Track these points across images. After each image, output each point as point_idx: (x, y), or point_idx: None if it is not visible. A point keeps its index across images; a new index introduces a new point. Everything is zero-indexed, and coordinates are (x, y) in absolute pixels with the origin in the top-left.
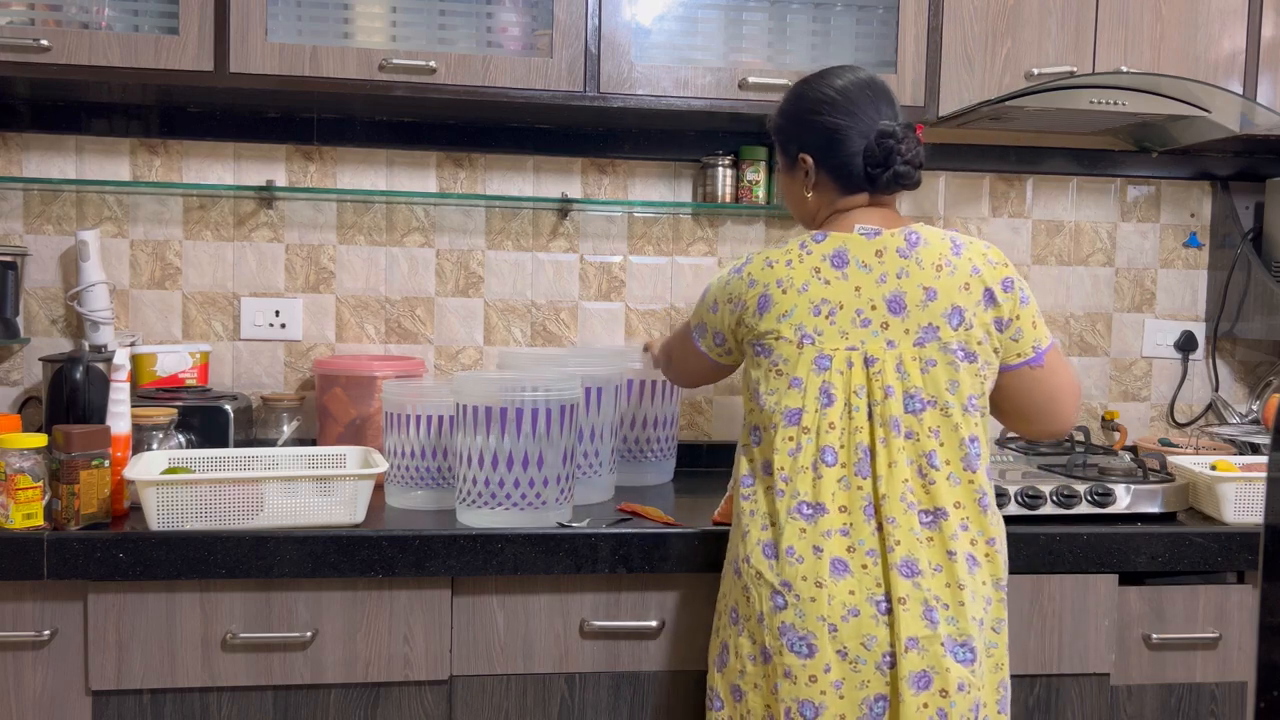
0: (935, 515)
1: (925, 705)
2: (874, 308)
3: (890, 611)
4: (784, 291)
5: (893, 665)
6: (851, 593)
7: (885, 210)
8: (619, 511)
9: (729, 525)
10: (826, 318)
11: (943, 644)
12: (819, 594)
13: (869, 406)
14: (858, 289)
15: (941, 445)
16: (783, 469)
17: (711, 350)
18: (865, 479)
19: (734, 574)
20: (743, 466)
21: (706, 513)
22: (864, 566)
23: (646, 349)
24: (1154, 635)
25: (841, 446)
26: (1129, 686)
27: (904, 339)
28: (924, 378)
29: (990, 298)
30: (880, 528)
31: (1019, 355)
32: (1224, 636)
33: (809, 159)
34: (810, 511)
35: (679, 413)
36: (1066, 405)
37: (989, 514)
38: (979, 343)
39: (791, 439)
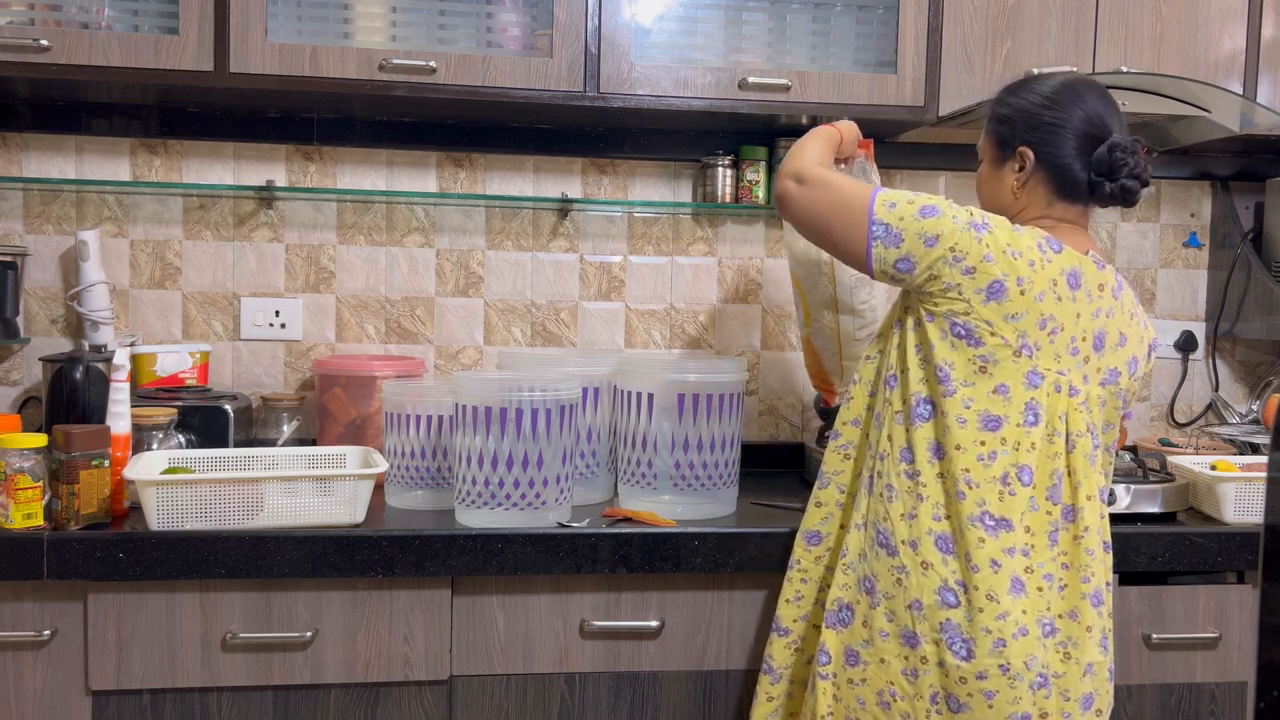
0: (1104, 548)
1: (1066, 715)
2: (1084, 339)
3: (1053, 634)
4: (1022, 292)
5: (1042, 686)
6: (1024, 612)
7: (1089, 236)
8: (604, 518)
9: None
10: (1048, 334)
11: (1109, 669)
12: (989, 606)
13: (1069, 435)
14: (1078, 316)
15: (1104, 481)
16: (968, 471)
17: (882, 254)
18: (1055, 504)
19: (879, 547)
20: (898, 436)
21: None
22: (1039, 589)
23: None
24: (1154, 635)
25: (1038, 468)
26: (1129, 686)
27: (1094, 376)
28: (1099, 415)
29: (1148, 356)
30: (1063, 554)
31: (1127, 405)
32: (1224, 636)
33: (1029, 153)
34: (993, 524)
35: (740, 432)
36: None
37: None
38: (1133, 394)
39: (984, 444)
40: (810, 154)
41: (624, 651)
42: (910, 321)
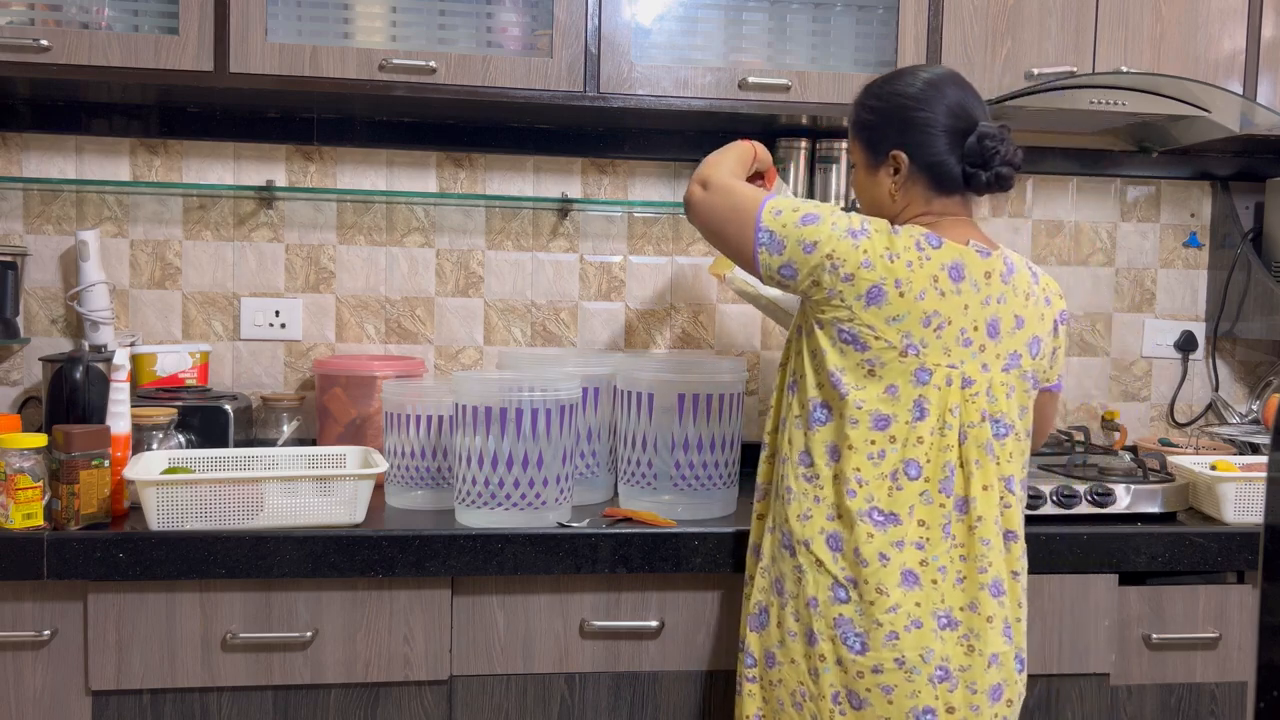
0: (1008, 537)
1: (996, 715)
2: (975, 329)
3: (949, 627)
4: (901, 295)
5: (944, 680)
6: (917, 604)
7: (973, 223)
8: (604, 518)
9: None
10: (934, 330)
11: (1015, 658)
12: (879, 600)
13: (961, 427)
14: (966, 307)
15: (1015, 470)
16: (859, 470)
17: (767, 261)
18: (948, 497)
19: (784, 549)
20: (797, 440)
21: (706, 515)
22: (934, 581)
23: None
24: (1154, 635)
25: (928, 461)
26: (1129, 686)
27: (995, 364)
28: (1007, 403)
29: (1054, 329)
30: (958, 546)
31: (1046, 380)
32: (1224, 636)
33: (903, 156)
34: (882, 519)
35: (740, 432)
36: (1050, 428)
37: (1022, 532)
38: (1043, 371)
39: (874, 444)
40: (723, 164)
41: (624, 651)
42: (805, 328)
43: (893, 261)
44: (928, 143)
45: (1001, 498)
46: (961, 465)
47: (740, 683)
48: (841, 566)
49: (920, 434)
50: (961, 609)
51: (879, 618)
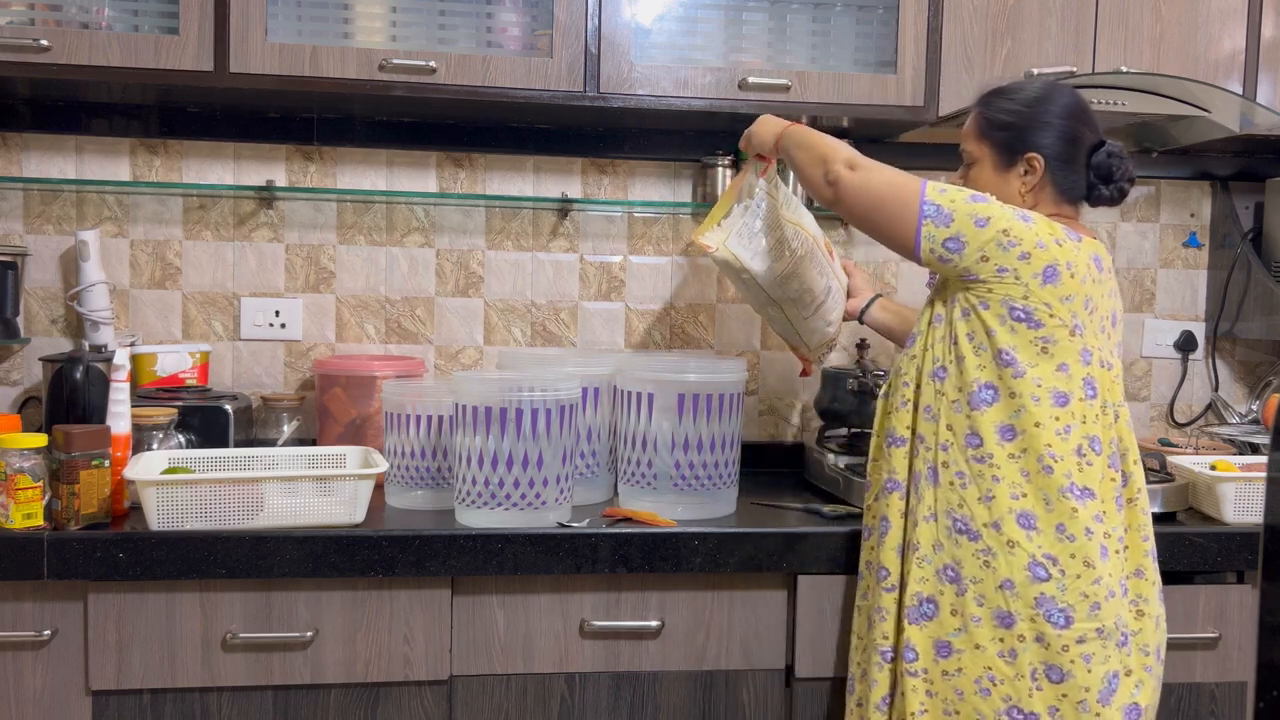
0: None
1: (1151, 669)
2: (1107, 318)
3: (1125, 594)
4: (1072, 275)
5: (1124, 644)
6: (1110, 575)
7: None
8: (604, 518)
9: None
10: (1090, 314)
11: (1162, 619)
12: (1086, 573)
13: (1114, 406)
14: (1103, 296)
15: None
16: (1050, 446)
17: (931, 233)
18: (1116, 472)
19: (961, 534)
20: (959, 424)
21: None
22: (1117, 551)
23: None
24: None
25: (1103, 438)
26: None
27: (1116, 351)
28: (1122, 386)
29: None
30: (1124, 516)
31: None
32: (1224, 636)
33: (1039, 160)
34: (1080, 493)
35: (740, 432)
36: None
37: None
38: None
39: (1058, 420)
40: (846, 146)
41: (624, 651)
42: (956, 313)
43: (1061, 245)
44: (1064, 152)
45: (1144, 472)
46: (1120, 441)
47: (900, 679)
48: (1039, 544)
49: (1096, 411)
50: (1129, 576)
51: (1085, 590)
